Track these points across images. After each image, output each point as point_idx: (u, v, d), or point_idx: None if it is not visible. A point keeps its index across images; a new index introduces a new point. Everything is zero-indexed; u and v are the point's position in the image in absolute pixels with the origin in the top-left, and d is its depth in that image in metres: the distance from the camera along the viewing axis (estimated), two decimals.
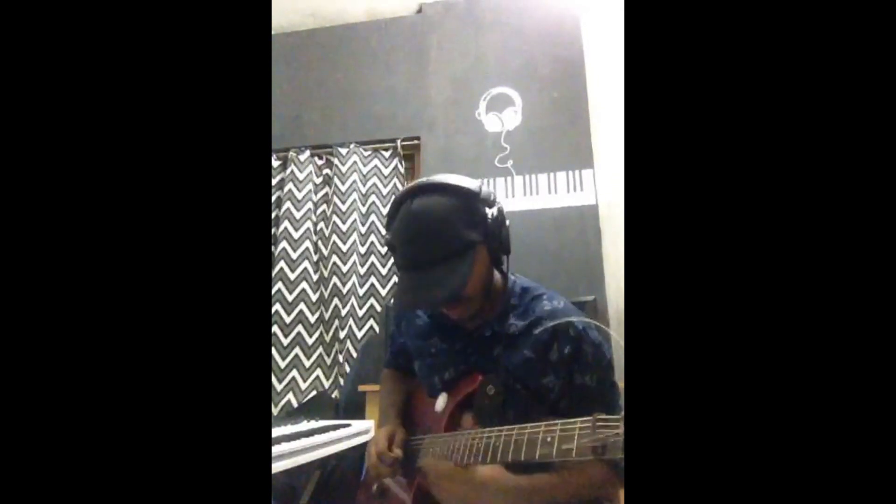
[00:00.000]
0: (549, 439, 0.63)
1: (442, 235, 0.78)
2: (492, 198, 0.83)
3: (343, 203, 2.35)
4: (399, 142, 2.44)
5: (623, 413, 0.55)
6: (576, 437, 0.60)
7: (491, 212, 0.81)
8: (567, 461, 0.62)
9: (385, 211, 2.41)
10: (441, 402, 0.90)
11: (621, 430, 0.56)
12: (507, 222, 0.84)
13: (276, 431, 1.27)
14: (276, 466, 1.00)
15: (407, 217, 0.80)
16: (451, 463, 0.77)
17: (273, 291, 2.23)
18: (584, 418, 0.60)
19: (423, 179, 0.84)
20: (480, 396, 0.81)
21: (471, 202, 0.81)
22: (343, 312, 2.23)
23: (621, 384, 0.82)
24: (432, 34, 2.51)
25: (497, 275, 0.89)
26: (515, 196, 2.25)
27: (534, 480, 0.74)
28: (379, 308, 2.30)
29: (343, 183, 2.37)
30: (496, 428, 0.72)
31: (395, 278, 2.35)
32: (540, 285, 0.93)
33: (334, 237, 2.31)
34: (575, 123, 2.28)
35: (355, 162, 2.42)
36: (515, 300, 0.89)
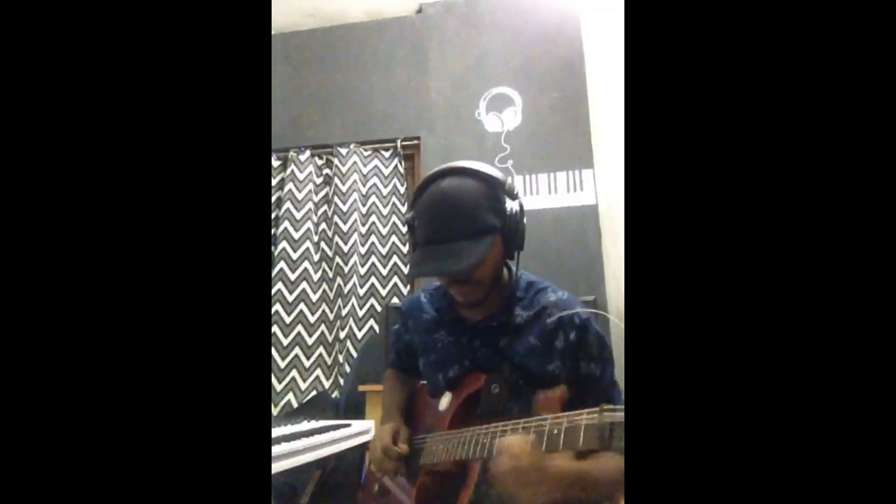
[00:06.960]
0: (555, 431, 0.63)
1: (467, 214, 0.81)
2: (515, 191, 0.87)
3: (343, 203, 2.35)
4: (399, 142, 2.43)
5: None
6: (582, 427, 0.60)
7: (512, 205, 0.84)
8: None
9: (385, 211, 2.41)
10: (445, 401, 0.90)
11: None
12: (525, 220, 0.86)
13: (276, 431, 1.27)
14: (276, 466, 1.00)
15: (435, 194, 0.83)
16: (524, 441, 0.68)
17: (273, 291, 2.23)
18: (591, 409, 0.60)
19: (453, 163, 0.88)
20: (485, 394, 0.81)
21: (496, 190, 0.84)
22: (343, 312, 2.23)
23: (621, 383, 0.82)
24: (432, 34, 2.51)
25: (504, 269, 0.91)
26: None
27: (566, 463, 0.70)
28: (379, 308, 2.30)
29: (343, 183, 2.37)
30: (502, 422, 0.72)
31: (395, 279, 2.35)
32: (544, 280, 0.95)
33: (335, 237, 2.31)
34: (575, 123, 2.28)
35: (355, 162, 2.42)
36: (521, 293, 0.91)
